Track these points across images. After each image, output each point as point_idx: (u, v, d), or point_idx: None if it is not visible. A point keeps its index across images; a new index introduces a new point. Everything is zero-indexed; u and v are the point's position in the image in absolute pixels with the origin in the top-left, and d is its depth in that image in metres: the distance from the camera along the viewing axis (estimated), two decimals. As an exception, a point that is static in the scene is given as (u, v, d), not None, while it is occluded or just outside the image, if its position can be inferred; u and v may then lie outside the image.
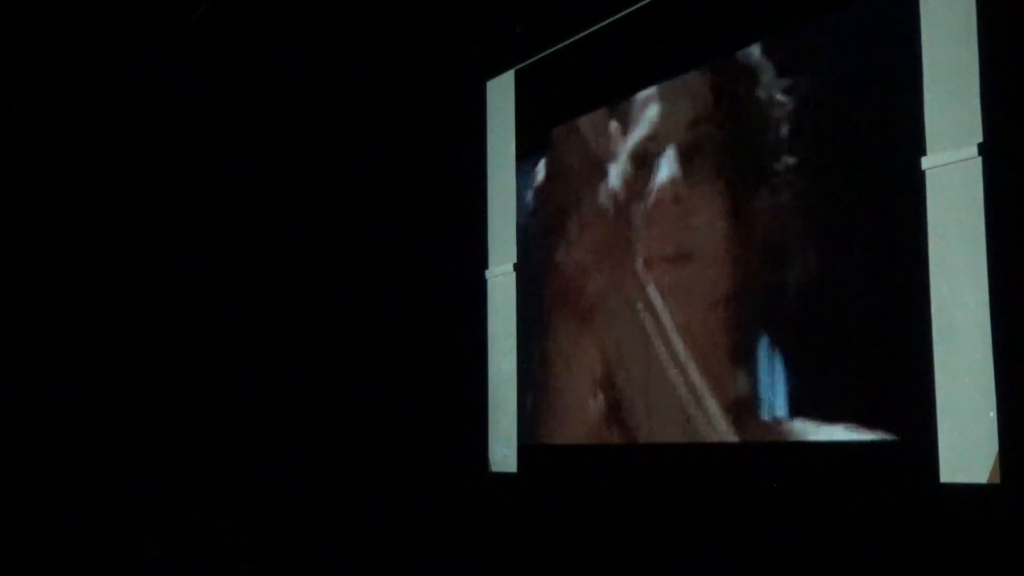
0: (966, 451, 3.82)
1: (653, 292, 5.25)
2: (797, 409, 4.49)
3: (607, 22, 5.57)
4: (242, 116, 6.56)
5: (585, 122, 5.74)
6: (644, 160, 5.35)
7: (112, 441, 6.05)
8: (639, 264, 5.33)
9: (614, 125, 5.55)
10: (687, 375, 5.03)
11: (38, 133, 6.08)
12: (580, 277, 5.73)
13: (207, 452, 6.23)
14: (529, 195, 6.11)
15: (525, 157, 6.12)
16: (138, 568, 4.01)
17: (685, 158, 5.12)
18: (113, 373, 6.16)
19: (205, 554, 4.16)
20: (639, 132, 5.40)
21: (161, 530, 4.21)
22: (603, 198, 5.59)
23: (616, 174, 5.51)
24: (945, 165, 3.97)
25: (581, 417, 5.63)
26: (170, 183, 6.44)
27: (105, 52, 6.08)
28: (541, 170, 6.03)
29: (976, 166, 3.86)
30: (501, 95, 6.31)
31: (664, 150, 5.23)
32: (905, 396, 4.06)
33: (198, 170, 6.50)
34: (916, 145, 4.07)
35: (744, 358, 4.75)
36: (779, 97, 4.67)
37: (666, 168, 5.22)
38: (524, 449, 5.97)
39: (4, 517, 5.64)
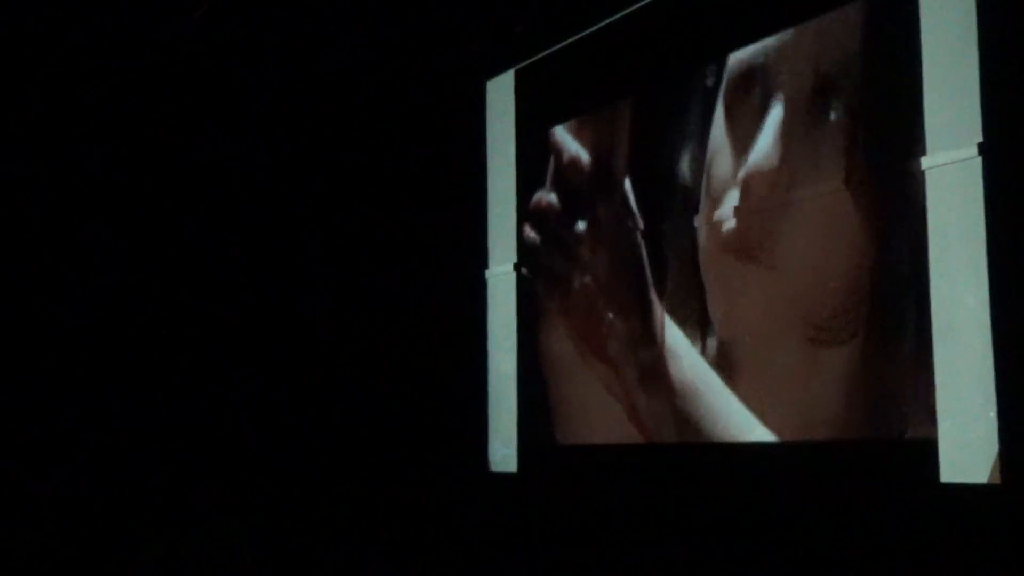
0: (966, 451, 3.82)
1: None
2: (799, 409, 4.50)
3: (607, 22, 5.57)
4: (242, 116, 6.56)
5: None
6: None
7: (113, 440, 6.05)
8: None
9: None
10: (685, 374, 5.05)
11: (38, 133, 6.08)
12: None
13: (208, 453, 6.22)
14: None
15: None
16: (139, 568, 4.01)
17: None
18: (114, 372, 6.17)
19: (205, 554, 4.16)
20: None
21: (161, 530, 4.21)
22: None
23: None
24: (945, 165, 3.97)
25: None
26: (170, 183, 6.43)
27: (105, 52, 6.08)
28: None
29: (976, 166, 3.87)
30: (501, 95, 6.31)
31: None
32: (905, 396, 4.07)
33: (198, 170, 6.50)
34: (916, 145, 4.08)
35: (743, 358, 4.76)
36: (777, 97, 4.68)
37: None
38: (524, 449, 5.97)
39: (4, 517, 5.64)
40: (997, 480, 3.72)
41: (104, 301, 6.20)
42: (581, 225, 5.76)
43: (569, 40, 5.82)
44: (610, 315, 5.53)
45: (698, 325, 4.98)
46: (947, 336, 3.91)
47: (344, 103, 6.76)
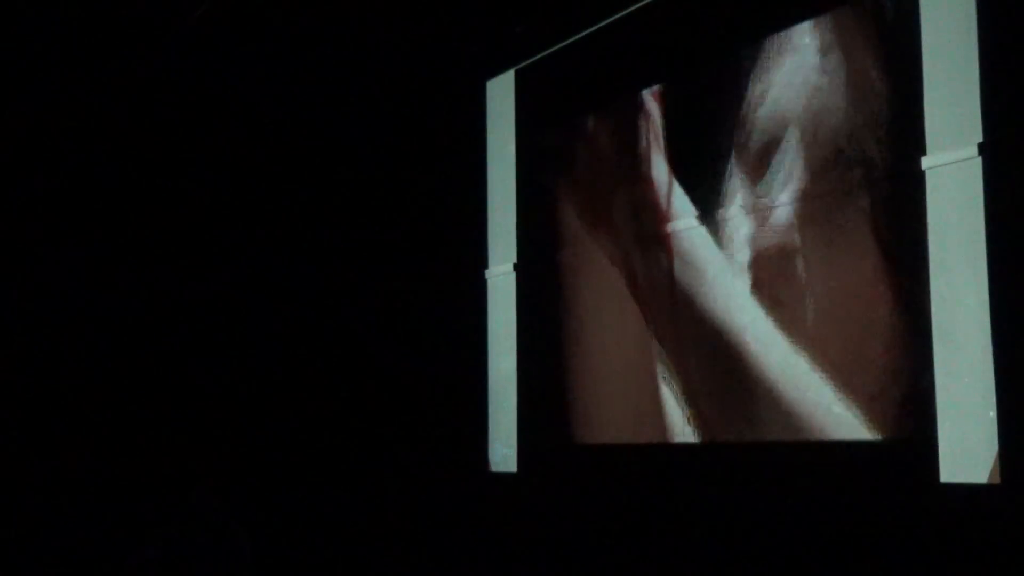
0: (966, 451, 3.82)
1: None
2: (799, 408, 4.50)
3: (607, 22, 5.57)
4: (242, 116, 6.57)
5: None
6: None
7: (113, 439, 6.05)
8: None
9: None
10: (684, 374, 5.05)
11: (38, 133, 6.09)
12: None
13: (208, 453, 6.23)
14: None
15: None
16: (139, 567, 4.01)
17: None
18: (114, 370, 6.17)
19: (206, 555, 4.16)
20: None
21: (161, 530, 4.21)
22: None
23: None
24: (945, 165, 3.97)
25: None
26: (170, 183, 6.44)
27: (105, 52, 6.08)
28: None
29: (976, 166, 3.86)
30: (501, 95, 6.31)
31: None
32: (905, 396, 4.06)
33: (198, 170, 6.51)
34: (916, 145, 4.08)
35: (742, 358, 4.76)
36: (778, 96, 4.69)
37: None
38: (524, 449, 5.97)
39: (4, 516, 5.64)
40: (997, 480, 3.72)
41: (105, 301, 6.21)
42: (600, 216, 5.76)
43: (569, 40, 5.82)
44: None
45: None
46: (947, 336, 3.91)
47: (344, 103, 6.76)
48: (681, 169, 5.17)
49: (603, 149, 5.67)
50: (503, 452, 6.07)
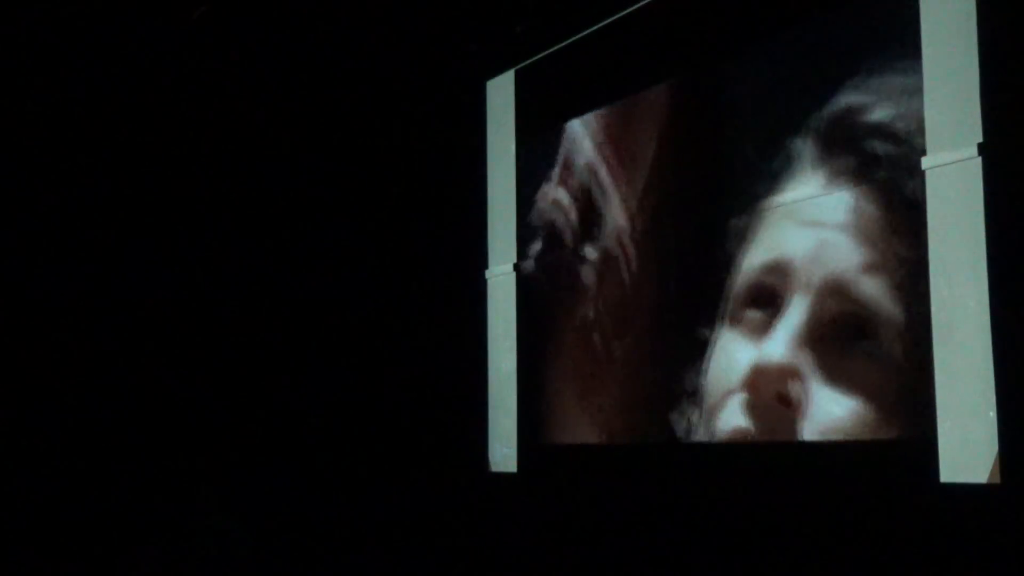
0: (966, 451, 3.82)
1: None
2: (798, 409, 4.50)
3: (607, 22, 5.57)
4: (242, 116, 6.56)
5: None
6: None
7: (113, 440, 6.05)
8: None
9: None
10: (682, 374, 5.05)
11: (38, 133, 6.08)
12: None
13: (208, 453, 6.22)
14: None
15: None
16: (139, 567, 4.01)
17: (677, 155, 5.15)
18: (114, 371, 6.17)
19: (206, 555, 4.16)
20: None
21: (162, 530, 4.22)
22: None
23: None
24: (945, 165, 3.97)
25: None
26: (169, 184, 6.44)
27: (106, 51, 6.08)
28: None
29: (976, 166, 3.87)
30: (501, 95, 6.31)
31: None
32: (905, 396, 4.06)
33: (198, 170, 6.50)
34: (916, 145, 4.08)
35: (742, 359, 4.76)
36: (778, 97, 4.69)
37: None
38: (524, 449, 5.97)
39: (5, 517, 5.64)
40: (997, 480, 3.72)
41: (105, 301, 6.20)
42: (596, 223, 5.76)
43: (569, 40, 5.82)
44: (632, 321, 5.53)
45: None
46: (947, 336, 3.91)
47: (344, 103, 6.75)
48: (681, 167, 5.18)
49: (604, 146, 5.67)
50: (503, 452, 6.07)
